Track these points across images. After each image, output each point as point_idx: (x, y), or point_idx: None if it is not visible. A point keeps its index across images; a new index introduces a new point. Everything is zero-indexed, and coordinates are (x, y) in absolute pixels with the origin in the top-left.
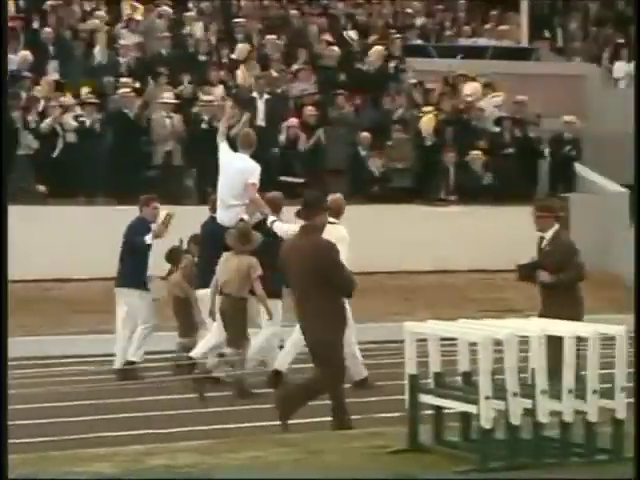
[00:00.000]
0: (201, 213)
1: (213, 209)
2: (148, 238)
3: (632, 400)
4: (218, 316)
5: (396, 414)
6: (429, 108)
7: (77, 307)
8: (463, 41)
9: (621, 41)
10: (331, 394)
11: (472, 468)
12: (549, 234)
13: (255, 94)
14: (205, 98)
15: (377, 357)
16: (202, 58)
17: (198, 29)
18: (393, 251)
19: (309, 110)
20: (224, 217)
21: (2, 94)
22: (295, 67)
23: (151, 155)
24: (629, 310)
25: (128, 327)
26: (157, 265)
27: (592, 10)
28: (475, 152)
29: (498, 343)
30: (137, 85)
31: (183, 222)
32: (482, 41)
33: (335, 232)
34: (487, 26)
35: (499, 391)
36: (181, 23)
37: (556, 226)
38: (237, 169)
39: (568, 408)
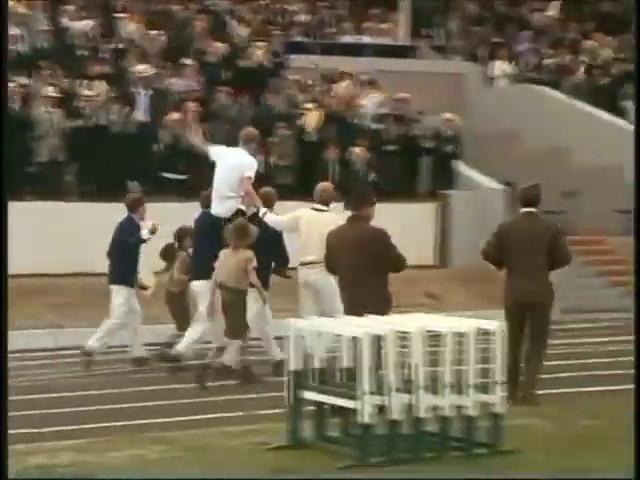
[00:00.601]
0: (81, 209)
1: (205, 204)
2: (144, 233)
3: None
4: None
5: (278, 410)
6: (310, 105)
7: None
8: (344, 38)
9: (498, 40)
10: None
11: (352, 464)
12: None
13: (137, 89)
14: (86, 93)
15: (263, 353)
16: (82, 52)
17: (78, 23)
18: None
19: (191, 106)
20: (220, 209)
21: (2, 92)
22: (179, 63)
23: (33, 150)
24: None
25: (136, 319)
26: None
27: (471, 9)
28: (357, 149)
29: (379, 339)
30: (18, 79)
31: (62, 219)
32: (363, 39)
33: (325, 218)
34: (368, 24)
35: (380, 387)
36: (61, 16)
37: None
38: (234, 163)
39: (447, 403)
